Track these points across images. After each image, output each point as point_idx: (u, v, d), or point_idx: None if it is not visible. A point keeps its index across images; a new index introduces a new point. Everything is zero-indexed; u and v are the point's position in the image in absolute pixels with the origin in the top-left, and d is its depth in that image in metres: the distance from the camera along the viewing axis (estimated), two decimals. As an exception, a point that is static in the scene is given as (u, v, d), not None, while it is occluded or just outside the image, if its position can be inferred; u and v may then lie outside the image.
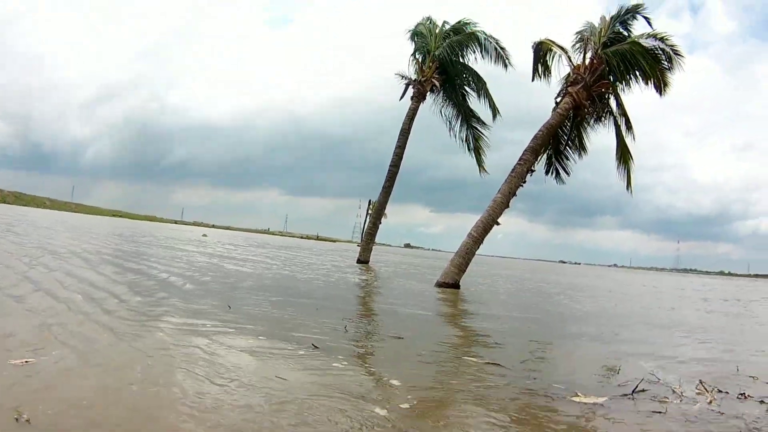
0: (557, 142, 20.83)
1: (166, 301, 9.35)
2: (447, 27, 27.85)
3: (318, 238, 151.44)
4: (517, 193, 18.46)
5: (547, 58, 20.69)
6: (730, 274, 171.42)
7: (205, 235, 59.59)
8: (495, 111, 26.25)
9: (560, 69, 20.72)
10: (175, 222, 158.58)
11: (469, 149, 27.08)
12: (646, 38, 19.24)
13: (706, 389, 6.39)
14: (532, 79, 21.06)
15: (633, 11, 19.86)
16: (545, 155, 20.99)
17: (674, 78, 18.85)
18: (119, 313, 7.78)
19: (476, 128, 26.95)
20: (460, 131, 27.15)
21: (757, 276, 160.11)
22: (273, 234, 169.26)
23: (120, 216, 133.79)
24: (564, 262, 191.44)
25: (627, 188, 20.18)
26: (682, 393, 6.23)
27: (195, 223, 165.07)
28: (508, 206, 18.19)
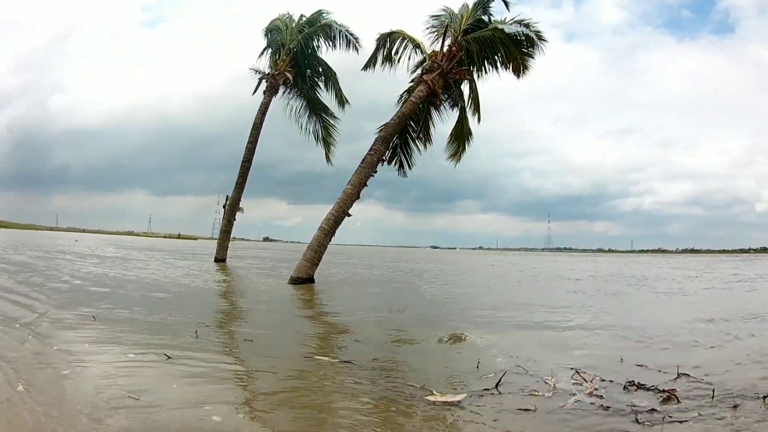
0: (406, 132, 20.48)
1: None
2: (303, 20, 27.66)
3: (180, 237, 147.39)
4: (368, 183, 18.14)
5: (400, 47, 20.28)
6: (610, 250, 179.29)
7: (76, 240, 55.78)
8: (342, 101, 26.48)
9: (414, 58, 20.39)
10: (51, 229, 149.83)
11: (317, 139, 27.33)
12: (511, 24, 19.09)
13: (584, 379, 5.98)
14: (364, 68, 20.94)
15: None
16: (391, 145, 20.09)
17: (538, 62, 19.00)
18: None
19: (326, 119, 26.94)
20: (309, 122, 27.17)
21: (641, 251, 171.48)
22: (137, 235, 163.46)
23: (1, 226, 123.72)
24: (436, 247, 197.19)
25: (449, 159, 20.47)
26: (555, 384, 5.77)
27: (69, 229, 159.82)
28: (359, 197, 17.85)
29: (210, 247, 31.98)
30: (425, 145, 20.91)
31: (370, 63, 20.72)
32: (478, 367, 6.46)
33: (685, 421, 4.76)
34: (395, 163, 20.68)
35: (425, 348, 8.10)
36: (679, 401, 5.30)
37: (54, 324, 8.04)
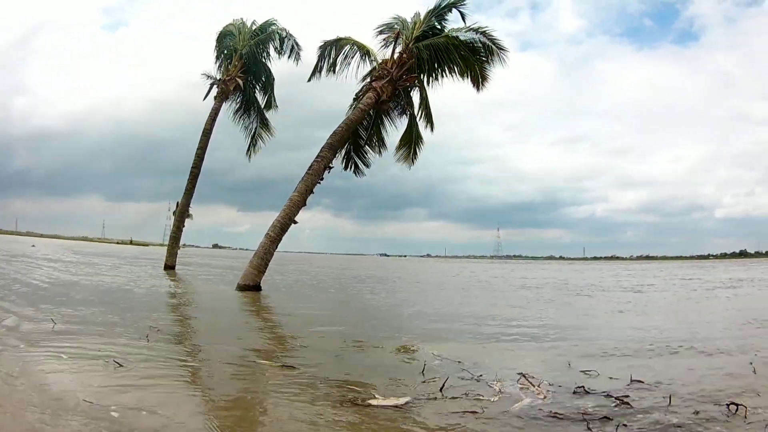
0: (357, 138, 20.39)
1: None
2: (255, 26, 27.58)
3: (132, 243, 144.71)
4: (314, 190, 17.94)
5: (348, 54, 20.02)
6: (562, 258, 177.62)
7: (33, 246, 54.35)
8: (271, 104, 26.77)
9: (364, 66, 20.13)
10: (10, 233, 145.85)
11: (252, 140, 27.24)
12: (466, 32, 18.91)
13: (531, 383, 5.84)
14: (309, 79, 20.48)
15: (450, 6, 19.50)
16: (344, 151, 20.38)
17: (497, 73, 18.74)
18: None
19: (264, 123, 27.15)
20: (250, 125, 27.12)
21: (594, 259, 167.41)
22: (91, 240, 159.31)
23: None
24: (386, 255, 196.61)
25: (400, 162, 20.16)
26: (500, 389, 5.62)
27: (28, 233, 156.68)
28: (305, 204, 17.75)
29: (161, 253, 31.49)
30: (380, 152, 20.91)
31: (315, 72, 20.38)
32: (423, 372, 6.33)
33: (641, 429, 4.63)
34: (350, 167, 20.70)
35: (370, 353, 8.04)
36: (632, 407, 5.19)
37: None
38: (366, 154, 20.88)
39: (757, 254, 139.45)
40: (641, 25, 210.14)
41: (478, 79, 18.70)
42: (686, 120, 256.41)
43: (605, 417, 4.86)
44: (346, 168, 20.59)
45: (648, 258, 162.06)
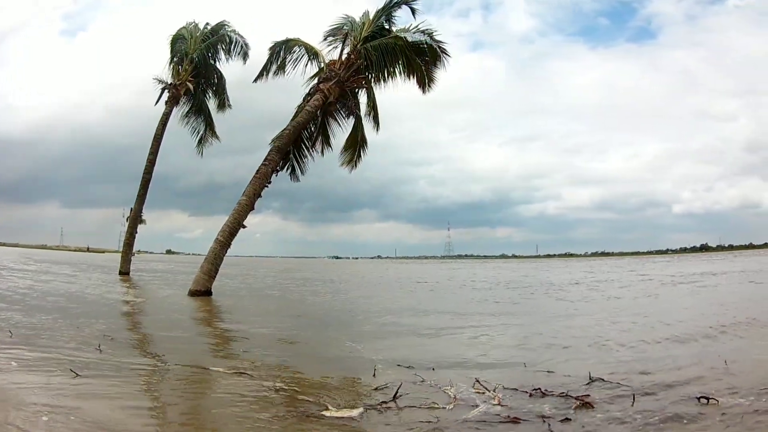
0: (300, 140, 19.81)
1: None
2: (207, 29, 27.36)
3: (89, 250, 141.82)
4: (262, 194, 17.95)
5: (296, 56, 19.97)
6: (514, 256, 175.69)
7: None
8: (223, 104, 26.71)
9: (312, 67, 19.99)
10: None
11: (200, 142, 27.20)
12: (414, 33, 18.76)
13: (486, 388, 5.69)
14: (255, 80, 20.49)
15: (400, 3, 19.48)
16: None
17: (445, 73, 18.83)
18: None
19: (213, 126, 27.06)
20: (201, 129, 26.98)
21: (548, 256, 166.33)
22: (50, 248, 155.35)
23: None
24: (337, 257, 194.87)
25: (344, 166, 20.48)
26: (455, 395, 5.44)
27: None
28: (253, 208, 17.78)
29: (116, 260, 30.99)
30: (322, 153, 20.53)
31: (263, 73, 20.22)
32: (374, 376, 6.24)
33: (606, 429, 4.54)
34: (287, 169, 20.14)
35: (322, 359, 7.94)
36: (593, 407, 5.09)
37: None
38: (305, 158, 20.46)
39: (720, 248, 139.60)
40: (596, 24, 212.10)
41: (424, 81, 18.78)
42: (645, 118, 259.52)
43: (566, 418, 4.78)
44: (282, 168, 19.85)
45: (604, 254, 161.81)
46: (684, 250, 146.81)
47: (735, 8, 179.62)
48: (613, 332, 10.43)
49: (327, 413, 4.84)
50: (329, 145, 20.52)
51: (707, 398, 5.18)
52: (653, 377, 6.29)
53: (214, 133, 27.14)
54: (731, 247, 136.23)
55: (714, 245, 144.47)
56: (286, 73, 19.93)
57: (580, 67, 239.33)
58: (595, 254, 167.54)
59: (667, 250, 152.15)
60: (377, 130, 20.23)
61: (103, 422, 4.39)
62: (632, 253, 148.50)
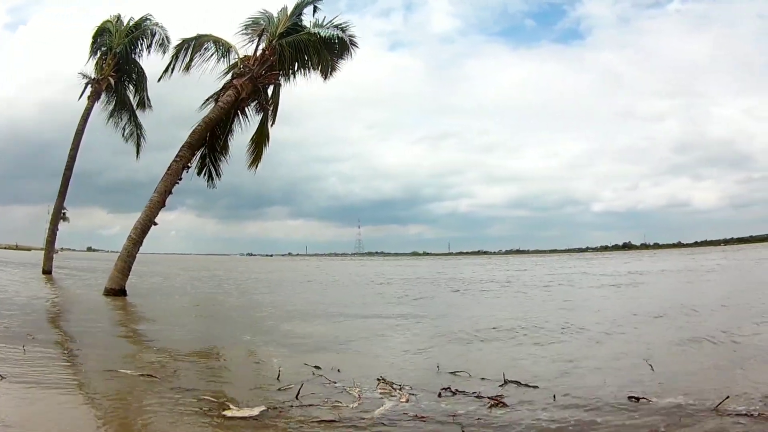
0: (214, 139, 19.35)
1: None
2: (131, 23, 26.91)
3: (17, 248, 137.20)
4: (173, 191, 17.68)
5: (209, 51, 19.43)
6: (425, 254, 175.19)
7: None
8: (144, 104, 26.28)
9: (225, 63, 19.31)
10: None
11: (126, 139, 26.09)
12: (328, 27, 18.87)
13: (392, 387, 5.68)
14: (159, 79, 20.21)
15: (314, 2, 19.17)
16: (199, 154, 19.30)
17: (349, 65, 18.90)
18: None
19: (138, 120, 26.64)
20: (127, 125, 26.43)
21: (460, 254, 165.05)
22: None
23: None
24: (252, 254, 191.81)
25: (250, 167, 19.71)
26: (360, 394, 5.44)
27: None
28: (164, 205, 17.51)
29: (42, 257, 30.34)
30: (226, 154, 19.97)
31: (167, 70, 19.73)
32: (278, 377, 6.15)
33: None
34: (204, 175, 19.72)
35: (228, 359, 7.90)
36: (507, 406, 5.12)
37: None
38: (219, 159, 20.01)
39: (644, 246, 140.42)
40: (521, 24, 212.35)
41: (327, 70, 18.95)
42: (566, 117, 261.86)
43: (479, 418, 4.76)
44: (199, 173, 19.60)
45: (518, 252, 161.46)
46: (605, 248, 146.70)
47: (676, 12, 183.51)
48: (530, 332, 10.37)
49: (228, 413, 4.82)
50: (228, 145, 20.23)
51: (637, 398, 5.26)
52: (570, 378, 6.40)
53: (138, 127, 26.63)
54: (657, 246, 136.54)
55: (638, 244, 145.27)
56: (194, 71, 19.44)
57: (500, 67, 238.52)
58: (509, 252, 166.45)
59: (587, 248, 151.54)
60: (272, 124, 19.99)
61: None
62: (550, 251, 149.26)
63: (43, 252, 29.56)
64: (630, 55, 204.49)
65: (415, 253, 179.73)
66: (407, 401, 5.23)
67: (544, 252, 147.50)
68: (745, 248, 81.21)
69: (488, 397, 5.31)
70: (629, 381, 6.16)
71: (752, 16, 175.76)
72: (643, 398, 5.24)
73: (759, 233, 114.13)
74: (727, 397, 5.15)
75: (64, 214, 26.64)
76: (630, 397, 5.27)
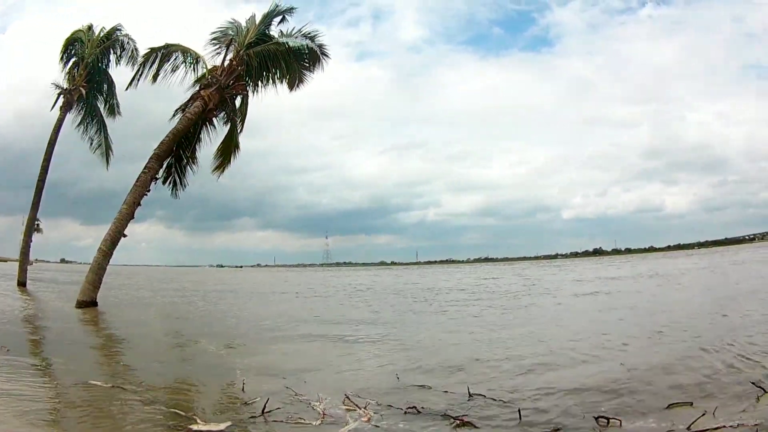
0: (181, 149, 19.36)
1: None
2: (103, 33, 26.81)
3: None
4: (141, 202, 17.65)
5: (177, 61, 19.46)
6: (393, 263, 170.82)
7: None
8: (114, 110, 26.21)
9: (194, 74, 19.41)
10: None
11: (95, 149, 25.59)
12: (297, 36, 18.99)
13: (356, 404, 5.64)
14: (126, 88, 20.41)
15: (283, 12, 19.36)
16: (166, 164, 19.08)
17: (324, 80, 18.94)
18: None
19: (106, 132, 26.55)
20: (97, 136, 26.35)
21: (429, 263, 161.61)
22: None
23: None
24: (222, 266, 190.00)
25: (213, 172, 19.81)
26: (324, 411, 5.44)
27: None
28: (133, 216, 17.51)
29: (16, 269, 30.10)
30: (193, 165, 20.00)
31: (134, 80, 19.88)
32: (243, 389, 6.22)
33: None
34: (169, 183, 19.54)
35: (197, 371, 7.85)
36: (475, 427, 5.08)
37: None
38: (185, 169, 19.89)
39: (615, 251, 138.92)
40: (489, 33, 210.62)
41: (295, 81, 18.98)
42: (534, 125, 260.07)
43: None
44: (165, 182, 19.38)
45: (487, 260, 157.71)
46: (576, 255, 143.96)
47: (648, 18, 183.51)
48: (491, 346, 10.17)
49: (195, 427, 4.84)
50: (193, 159, 20.25)
51: (607, 418, 5.13)
52: (535, 394, 6.28)
53: (106, 139, 26.52)
54: (629, 251, 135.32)
55: (609, 249, 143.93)
56: (162, 81, 19.52)
57: (467, 75, 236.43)
58: (478, 260, 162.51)
59: (557, 254, 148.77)
60: (240, 131, 20.09)
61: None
62: (519, 259, 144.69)
63: (17, 263, 29.16)
64: (600, 61, 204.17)
65: (383, 263, 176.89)
66: (369, 420, 5.22)
67: (513, 259, 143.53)
68: (720, 251, 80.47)
69: (453, 417, 5.28)
70: (600, 397, 6.03)
71: (726, 20, 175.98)
72: (613, 419, 5.13)
73: (734, 236, 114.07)
74: (703, 413, 5.05)
75: (37, 225, 26.59)
76: (598, 417, 5.17)
